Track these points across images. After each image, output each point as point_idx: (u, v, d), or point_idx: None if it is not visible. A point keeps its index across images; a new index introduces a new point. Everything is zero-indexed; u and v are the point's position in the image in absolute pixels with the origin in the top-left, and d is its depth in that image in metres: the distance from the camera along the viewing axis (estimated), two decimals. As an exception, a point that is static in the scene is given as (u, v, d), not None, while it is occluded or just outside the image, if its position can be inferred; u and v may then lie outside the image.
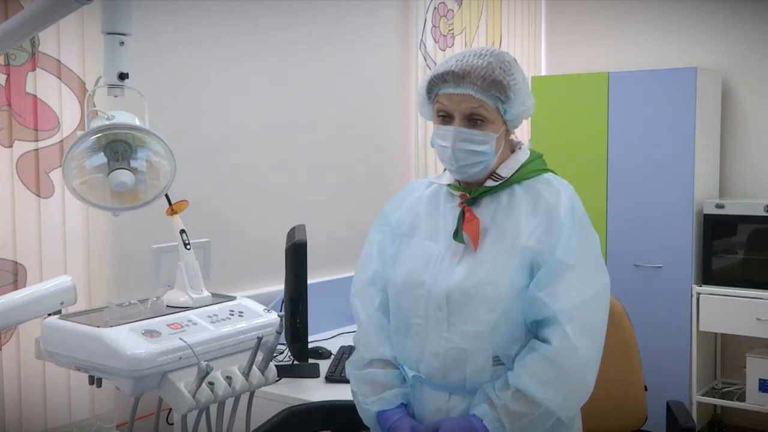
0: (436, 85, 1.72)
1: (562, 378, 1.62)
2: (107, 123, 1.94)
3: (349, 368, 1.87)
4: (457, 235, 1.74)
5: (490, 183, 1.76)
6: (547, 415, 1.62)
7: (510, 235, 1.70)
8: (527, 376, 1.63)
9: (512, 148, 1.81)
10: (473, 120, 1.69)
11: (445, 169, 1.85)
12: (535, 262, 1.67)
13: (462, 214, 1.75)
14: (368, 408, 1.79)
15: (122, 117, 1.97)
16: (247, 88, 3.23)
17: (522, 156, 1.80)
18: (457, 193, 1.80)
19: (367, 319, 1.85)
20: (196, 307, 2.10)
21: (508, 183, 1.75)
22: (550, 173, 1.81)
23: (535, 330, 1.68)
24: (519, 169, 1.77)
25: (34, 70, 2.43)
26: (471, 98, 1.67)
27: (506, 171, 1.76)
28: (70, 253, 2.54)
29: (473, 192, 1.76)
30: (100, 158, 1.95)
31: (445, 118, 1.72)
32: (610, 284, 1.73)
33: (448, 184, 1.83)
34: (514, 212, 1.72)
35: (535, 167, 1.79)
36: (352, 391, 1.85)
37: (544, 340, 1.64)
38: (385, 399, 1.77)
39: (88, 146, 1.93)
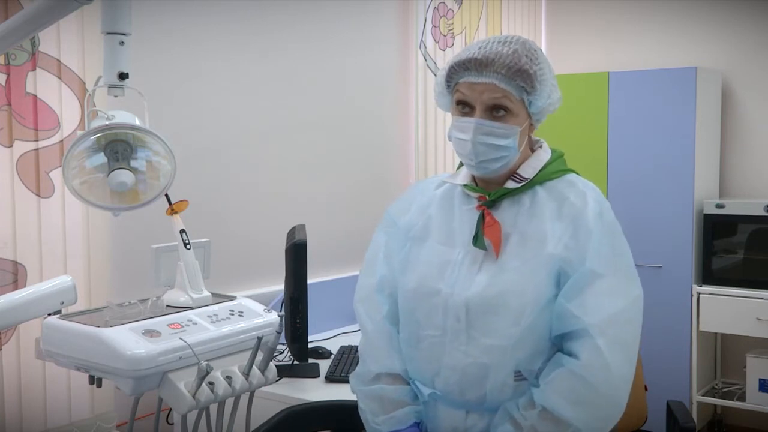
0: (456, 73, 1.59)
1: (592, 396, 1.50)
2: (107, 123, 1.94)
3: (355, 382, 1.74)
4: (477, 240, 1.61)
5: (511, 184, 1.63)
6: None
7: (534, 241, 1.57)
8: (555, 394, 1.50)
9: (532, 146, 1.69)
10: (496, 111, 1.56)
11: (458, 168, 1.73)
12: (563, 271, 1.55)
13: (482, 218, 1.62)
14: (378, 428, 1.66)
15: (122, 117, 1.97)
16: (247, 88, 3.23)
17: (544, 155, 1.67)
18: (475, 195, 1.66)
19: (373, 329, 1.72)
20: (196, 307, 2.10)
21: (530, 184, 1.63)
22: (573, 174, 1.69)
23: (560, 343, 1.56)
24: (541, 169, 1.64)
25: (34, 70, 2.43)
26: (494, 88, 1.54)
27: (528, 171, 1.64)
28: (70, 253, 2.54)
29: (493, 194, 1.63)
30: (100, 158, 1.95)
31: (464, 109, 1.59)
32: None
33: (464, 185, 1.69)
34: (537, 216, 1.60)
35: (557, 167, 1.66)
36: (360, 408, 1.71)
37: (571, 354, 1.52)
38: (396, 418, 1.64)
39: (88, 146, 1.93)
